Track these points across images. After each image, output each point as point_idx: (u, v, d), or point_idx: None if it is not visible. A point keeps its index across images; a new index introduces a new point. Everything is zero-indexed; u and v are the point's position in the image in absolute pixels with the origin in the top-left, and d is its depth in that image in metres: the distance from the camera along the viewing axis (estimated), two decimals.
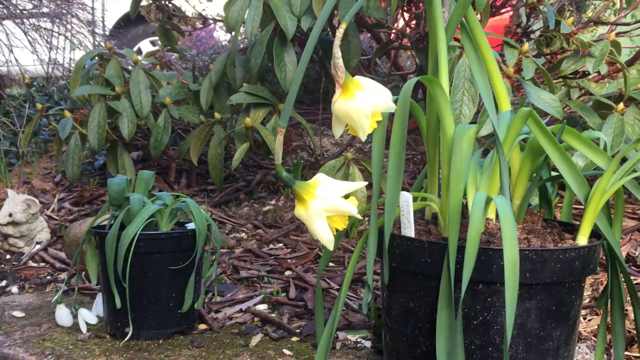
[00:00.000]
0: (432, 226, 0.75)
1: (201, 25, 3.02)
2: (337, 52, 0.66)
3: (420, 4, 1.48)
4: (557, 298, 0.68)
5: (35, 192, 1.99)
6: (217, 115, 1.67)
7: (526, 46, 1.35)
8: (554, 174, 0.84)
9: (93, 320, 1.06)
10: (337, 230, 0.67)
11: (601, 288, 1.15)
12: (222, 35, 4.22)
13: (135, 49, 4.29)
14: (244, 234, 1.59)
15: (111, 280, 0.98)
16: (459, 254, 0.64)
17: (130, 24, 4.27)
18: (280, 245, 1.51)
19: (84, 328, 1.05)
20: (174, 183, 2.02)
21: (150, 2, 2.37)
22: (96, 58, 1.96)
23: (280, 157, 0.68)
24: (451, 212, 0.64)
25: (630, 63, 1.72)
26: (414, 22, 1.63)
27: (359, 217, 0.65)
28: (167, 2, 2.39)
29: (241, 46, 1.80)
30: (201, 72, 3.37)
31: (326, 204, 0.64)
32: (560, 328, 0.69)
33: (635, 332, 0.78)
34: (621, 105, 1.47)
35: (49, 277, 1.37)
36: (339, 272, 1.31)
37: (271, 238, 1.52)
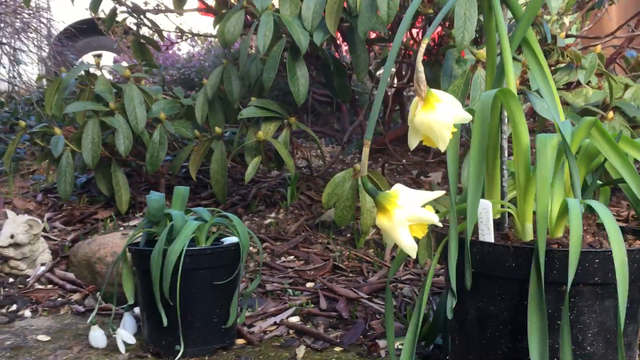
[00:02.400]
0: (509, 231, 0.78)
1: (175, 40, 2.99)
2: (419, 66, 0.68)
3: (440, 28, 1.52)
4: (631, 296, 0.72)
5: (18, 212, 1.91)
6: (217, 129, 1.66)
7: None
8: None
9: (131, 340, 1.04)
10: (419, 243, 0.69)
11: None
12: (182, 49, 4.18)
13: (78, 62, 4.18)
14: (252, 247, 1.58)
15: (157, 297, 0.96)
16: (546, 257, 0.67)
17: (81, 33, 4.16)
18: (292, 257, 1.51)
19: (122, 349, 1.02)
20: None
21: (126, 16, 2.33)
22: (82, 72, 1.91)
23: (366, 168, 0.69)
24: (539, 218, 0.67)
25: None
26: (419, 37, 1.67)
27: (440, 225, 0.67)
28: (142, 17, 2.35)
29: (223, 60, 1.79)
30: (169, 85, 3.33)
31: (409, 213, 0.66)
32: (632, 325, 0.73)
33: None
34: (611, 114, 1.56)
35: (60, 299, 1.33)
36: (361, 281, 1.33)
37: (282, 251, 1.52)
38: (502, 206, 0.79)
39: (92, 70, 1.94)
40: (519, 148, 0.74)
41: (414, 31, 1.63)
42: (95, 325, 1.05)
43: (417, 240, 0.77)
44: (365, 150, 0.68)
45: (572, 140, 0.76)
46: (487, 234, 0.74)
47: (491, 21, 0.80)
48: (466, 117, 0.67)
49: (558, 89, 1.63)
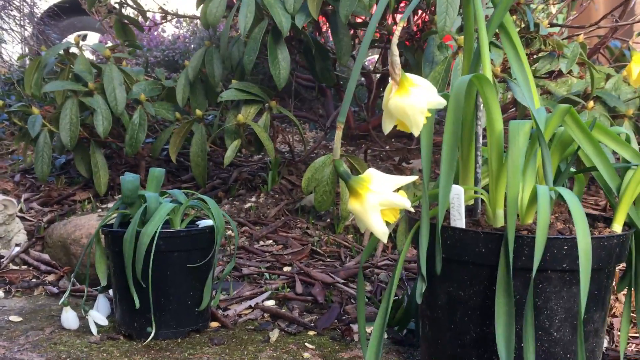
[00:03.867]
0: (480, 217, 0.78)
1: (159, 21, 2.95)
2: (394, 50, 0.68)
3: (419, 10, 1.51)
4: (598, 283, 0.72)
5: None
6: (198, 112, 1.64)
7: None
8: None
9: (104, 322, 1.03)
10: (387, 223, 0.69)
11: None
12: (167, 31, 4.13)
13: (63, 41, 4.12)
14: (230, 231, 1.57)
15: (129, 280, 0.95)
16: (515, 243, 0.67)
17: (64, 12, 4.09)
18: (270, 242, 1.51)
19: (94, 330, 1.02)
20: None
21: None
22: (61, 52, 1.88)
23: (339, 151, 0.68)
24: (509, 204, 0.68)
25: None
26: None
27: (412, 209, 0.67)
28: None
29: (206, 42, 1.77)
30: (152, 67, 3.29)
31: (381, 197, 0.65)
32: (599, 311, 0.74)
33: None
34: (591, 103, 1.56)
35: (34, 280, 1.31)
36: (338, 266, 1.33)
37: (261, 235, 1.52)
38: (476, 192, 0.79)
39: (73, 49, 1.91)
40: (493, 134, 0.74)
41: (398, 16, 1.62)
42: (67, 306, 1.04)
43: (391, 226, 0.76)
44: (338, 133, 0.67)
45: (546, 127, 0.75)
46: (459, 220, 0.74)
47: (469, 6, 0.79)
48: (440, 102, 0.66)
49: (540, 77, 1.64)
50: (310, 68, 1.60)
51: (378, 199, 0.64)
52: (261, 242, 1.50)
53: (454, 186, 0.73)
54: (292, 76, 2.22)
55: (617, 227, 0.75)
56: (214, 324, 1.08)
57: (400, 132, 2.26)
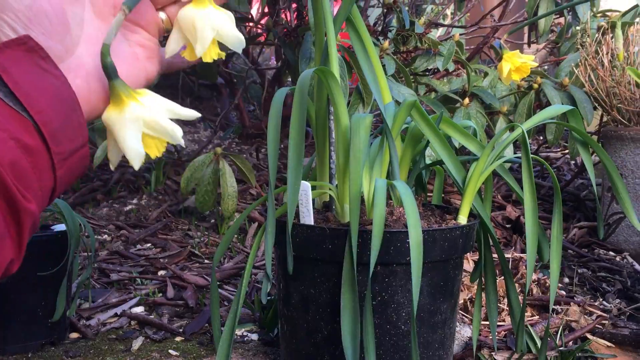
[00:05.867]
0: (329, 214, 0.77)
1: None
2: None
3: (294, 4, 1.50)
4: (444, 274, 0.73)
5: None
6: None
7: (386, 44, 1.43)
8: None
9: None
10: (151, 158, 0.52)
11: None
12: None
13: None
14: (106, 235, 1.49)
15: None
16: (360, 238, 0.66)
17: None
18: (149, 245, 1.45)
19: None
20: None
21: None
22: None
23: (112, 37, 0.49)
24: (352, 198, 0.67)
25: (468, 60, 1.90)
26: (276, 17, 1.65)
27: (183, 143, 0.51)
28: None
29: None
30: None
31: (148, 114, 0.49)
32: (447, 302, 0.75)
33: (506, 302, 0.87)
34: (467, 100, 1.62)
35: None
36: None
37: (138, 238, 1.45)
38: (315, 187, 0.78)
39: None
40: (339, 129, 0.73)
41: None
42: None
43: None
44: (119, 17, 0.49)
45: (394, 122, 0.76)
46: (307, 216, 0.73)
47: (317, 0, 0.78)
48: (239, 37, 0.50)
49: (421, 74, 1.68)
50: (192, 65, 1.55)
51: (144, 114, 0.49)
52: (138, 246, 1.44)
53: (302, 182, 0.72)
54: (186, 74, 2.16)
55: (462, 219, 0.77)
56: (74, 335, 1.02)
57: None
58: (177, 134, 0.49)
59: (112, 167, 0.51)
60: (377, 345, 0.70)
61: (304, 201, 0.72)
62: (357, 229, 0.65)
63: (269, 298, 1.09)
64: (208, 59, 0.51)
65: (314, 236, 0.71)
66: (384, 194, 0.63)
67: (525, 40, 2.33)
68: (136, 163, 0.48)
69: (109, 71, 0.47)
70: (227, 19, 0.52)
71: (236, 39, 0.52)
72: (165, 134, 0.49)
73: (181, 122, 2.59)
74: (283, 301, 0.79)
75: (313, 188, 0.77)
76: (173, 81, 2.50)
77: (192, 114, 0.51)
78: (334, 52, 0.76)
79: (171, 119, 0.50)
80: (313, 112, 0.82)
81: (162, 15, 0.54)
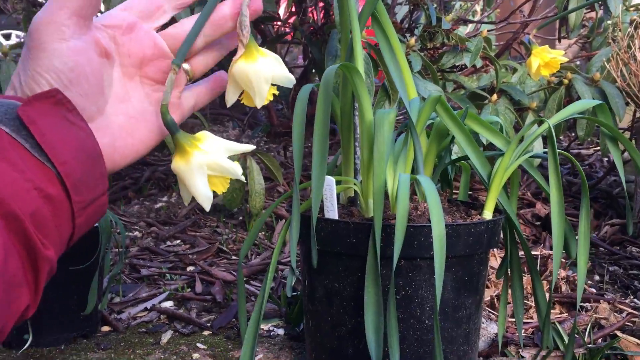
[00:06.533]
0: (353, 208, 0.78)
1: None
2: (245, 10, 0.62)
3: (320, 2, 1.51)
4: (469, 269, 0.73)
5: None
6: None
7: (413, 41, 1.43)
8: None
9: None
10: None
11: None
12: None
13: None
14: (137, 232, 1.53)
15: None
16: (384, 232, 0.67)
17: None
18: (178, 241, 1.47)
19: None
20: None
21: None
22: None
23: (169, 97, 0.61)
24: (375, 193, 0.67)
25: (497, 57, 1.88)
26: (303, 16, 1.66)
27: (243, 179, 0.61)
28: None
29: None
30: None
31: (211, 159, 0.55)
32: (471, 297, 0.75)
33: (533, 298, 0.86)
34: (495, 97, 1.60)
35: None
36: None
37: (168, 235, 1.48)
38: (340, 182, 0.78)
39: None
40: (363, 124, 0.74)
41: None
42: None
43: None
44: (172, 76, 0.55)
45: (419, 117, 0.76)
46: (332, 211, 0.73)
47: None
48: (288, 76, 0.59)
49: (444, 70, 1.67)
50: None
51: (207, 160, 0.55)
52: (168, 242, 1.46)
53: (326, 177, 0.72)
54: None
55: (488, 214, 0.76)
56: (105, 328, 1.04)
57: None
58: (238, 171, 0.56)
59: (185, 204, 0.60)
60: (401, 339, 0.70)
61: (328, 195, 0.73)
62: (381, 222, 0.66)
63: (294, 293, 1.10)
64: (266, 102, 0.58)
65: (338, 230, 0.71)
66: (407, 187, 0.63)
67: (557, 35, 2.29)
68: (206, 205, 0.55)
69: (170, 127, 0.54)
70: (276, 64, 0.58)
71: (286, 79, 0.59)
72: (227, 173, 0.55)
73: (211, 121, 2.62)
74: (308, 296, 0.79)
75: (338, 183, 0.78)
76: None
77: (247, 148, 0.58)
78: (358, 48, 0.76)
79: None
80: (338, 109, 0.82)
81: (186, 66, 0.56)
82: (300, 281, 1.20)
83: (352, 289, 0.72)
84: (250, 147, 0.58)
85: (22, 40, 2.96)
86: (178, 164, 0.55)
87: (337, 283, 0.74)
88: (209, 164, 0.55)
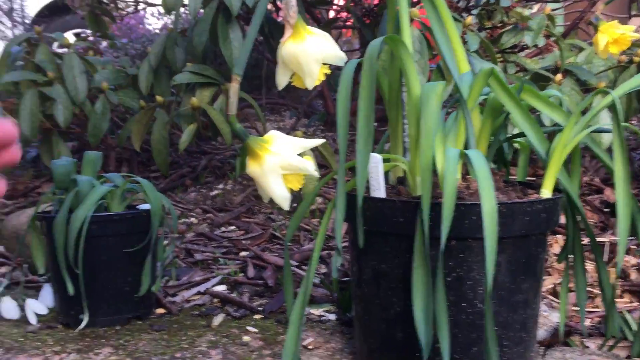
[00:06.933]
0: (401, 187, 0.75)
1: (132, 11, 2.91)
2: None
3: None
4: (525, 251, 0.69)
5: None
6: (159, 98, 1.61)
7: (469, 19, 1.38)
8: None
9: (43, 311, 1.01)
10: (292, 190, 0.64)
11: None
12: (153, 24, 4.09)
13: None
14: (193, 218, 1.54)
15: (61, 266, 0.92)
16: (432, 211, 0.64)
17: (55, 13, 4.05)
18: (233, 227, 1.48)
19: (33, 319, 0.99)
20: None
21: None
22: (24, 44, 1.85)
23: (236, 107, 0.63)
24: (423, 169, 0.64)
25: (563, 37, 1.79)
26: None
27: (317, 175, 0.61)
28: None
29: (179, 28, 1.74)
30: (134, 60, 3.25)
31: (282, 160, 0.59)
32: (528, 281, 0.70)
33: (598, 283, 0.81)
34: (559, 77, 1.52)
35: None
36: (296, 249, 1.30)
37: (222, 221, 1.49)
38: (389, 160, 0.75)
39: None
40: (411, 100, 0.71)
41: None
42: (6, 296, 1.02)
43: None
44: (234, 87, 0.60)
45: (470, 91, 0.72)
46: (378, 190, 0.71)
47: None
48: (339, 55, 0.60)
49: (504, 51, 1.60)
50: (269, 48, 1.56)
51: (279, 161, 0.59)
52: (223, 228, 1.47)
53: (372, 155, 0.70)
54: (264, 59, 2.18)
55: (546, 193, 0.72)
56: (160, 311, 1.06)
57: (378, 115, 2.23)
58: (309, 168, 0.58)
59: (265, 201, 0.62)
60: (453, 324, 0.67)
61: (374, 174, 0.70)
62: (429, 200, 0.63)
63: (345, 279, 1.08)
64: (317, 82, 0.59)
65: (385, 209, 0.69)
66: (455, 163, 0.60)
67: (627, 13, 2.16)
68: (285, 205, 0.59)
69: (240, 134, 0.57)
70: (326, 42, 0.61)
71: (337, 58, 0.59)
72: (299, 171, 0.59)
73: (268, 110, 2.63)
74: (356, 279, 0.77)
75: (386, 161, 0.75)
76: (257, 72, 2.53)
77: (317, 142, 0.60)
78: (405, 22, 0.73)
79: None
80: (386, 86, 0.80)
81: None
82: (350, 266, 1.18)
83: (400, 271, 0.70)
84: (320, 141, 0.60)
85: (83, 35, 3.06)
86: (252, 168, 0.58)
87: (384, 264, 0.71)
88: (282, 165, 0.58)
